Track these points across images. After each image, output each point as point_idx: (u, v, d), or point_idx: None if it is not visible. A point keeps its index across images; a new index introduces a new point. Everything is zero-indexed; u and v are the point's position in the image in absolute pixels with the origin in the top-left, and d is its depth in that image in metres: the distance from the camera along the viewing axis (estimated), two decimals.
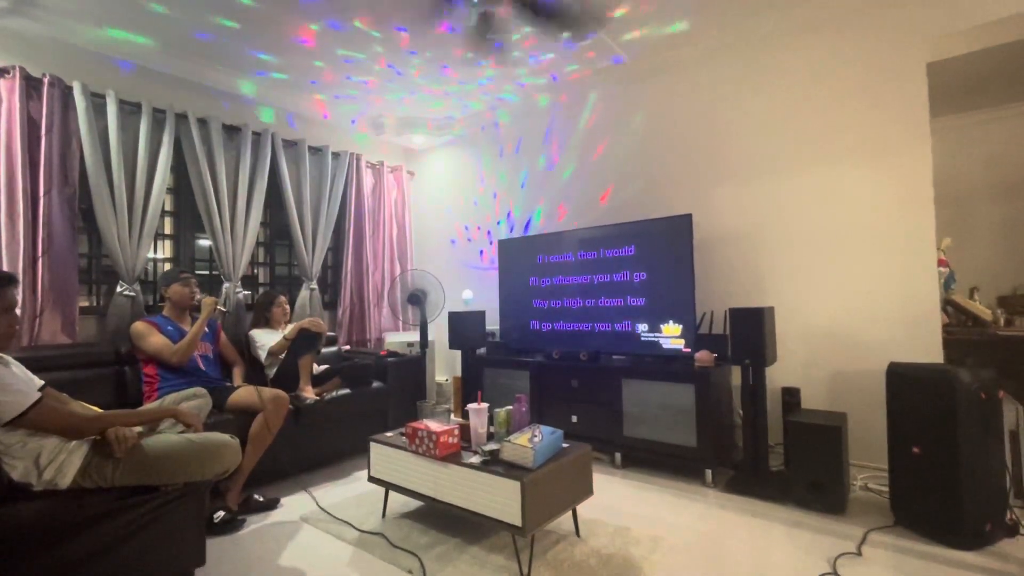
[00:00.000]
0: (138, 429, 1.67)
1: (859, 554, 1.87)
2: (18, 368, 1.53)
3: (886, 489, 2.24)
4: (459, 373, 3.83)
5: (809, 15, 2.78)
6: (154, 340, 2.44)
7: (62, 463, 1.48)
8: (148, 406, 2.30)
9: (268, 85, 3.57)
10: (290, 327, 3.06)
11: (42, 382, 1.61)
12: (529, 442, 1.84)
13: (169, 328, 2.56)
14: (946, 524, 1.92)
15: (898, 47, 2.56)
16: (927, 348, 2.48)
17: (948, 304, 3.03)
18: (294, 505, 2.42)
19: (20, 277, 2.52)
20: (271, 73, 3.36)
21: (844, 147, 2.71)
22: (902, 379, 2.10)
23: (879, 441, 2.35)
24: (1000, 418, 1.96)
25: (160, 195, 3.03)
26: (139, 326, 2.49)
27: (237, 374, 2.81)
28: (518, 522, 1.71)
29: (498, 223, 4.26)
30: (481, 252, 4.39)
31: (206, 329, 2.73)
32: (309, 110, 3.94)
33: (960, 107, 3.43)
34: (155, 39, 2.94)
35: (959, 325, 3.03)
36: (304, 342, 2.90)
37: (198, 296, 2.73)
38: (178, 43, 3.01)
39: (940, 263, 2.78)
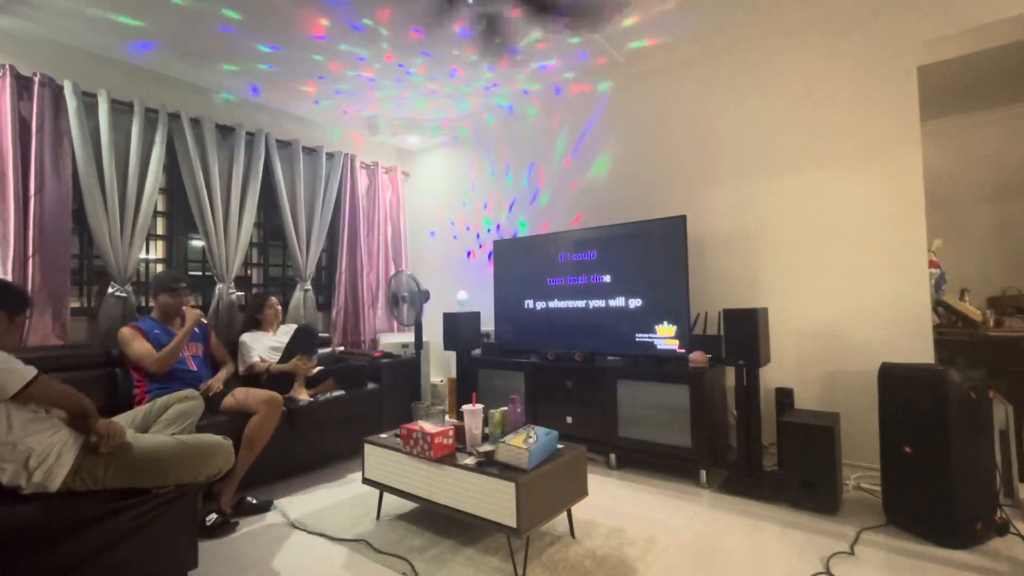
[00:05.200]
0: (129, 431, 1.66)
1: (852, 553, 1.89)
2: None
3: (878, 489, 2.26)
4: (454, 374, 3.82)
5: (800, 19, 2.80)
6: (137, 346, 2.44)
7: (51, 465, 1.47)
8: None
9: (263, 84, 3.55)
10: (282, 329, 3.06)
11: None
12: (524, 443, 1.84)
13: (156, 331, 2.55)
14: (937, 523, 1.93)
15: (889, 50, 2.58)
16: (918, 349, 2.50)
17: (939, 305, 3.05)
18: (288, 507, 2.41)
19: (10, 278, 2.49)
20: (266, 66, 3.30)
21: (836, 149, 2.73)
22: (894, 379, 2.12)
23: (871, 441, 2.37)
24: (990, 418, 1.99)
25: (152, 195, 3.01)
26: (125, 332, 2.49)
27: (225, 371, 2.78)
28: (513, 523, 1.71)
29: (488, 230, 4.27)
30: (469, 253, 4.39)
31: (196, 330, 2.72)
32: (304, 110, 3.92)
33: (951, 110, 3.47)
34: (149, 34, 2.91)
35: (950, 326, 3.06)
36: (302, 343, 2.89)
37: (190, 302, 2.72)
38: (172, 40, 2.97)
39: (931, 264, 2.80)
